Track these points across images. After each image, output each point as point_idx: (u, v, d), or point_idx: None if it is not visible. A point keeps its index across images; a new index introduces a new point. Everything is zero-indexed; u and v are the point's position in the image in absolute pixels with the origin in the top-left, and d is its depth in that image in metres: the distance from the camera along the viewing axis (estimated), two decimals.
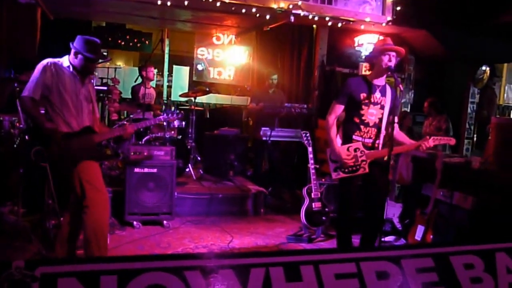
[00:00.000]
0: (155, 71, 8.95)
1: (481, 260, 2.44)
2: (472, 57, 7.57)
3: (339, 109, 4.02)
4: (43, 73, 3.48)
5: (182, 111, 4.79)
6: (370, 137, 3.99)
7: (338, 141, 4.05)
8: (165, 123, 6.14)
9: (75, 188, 3.53)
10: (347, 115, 4.05)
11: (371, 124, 3.97)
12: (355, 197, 4.06)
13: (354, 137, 3.98)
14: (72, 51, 3.60)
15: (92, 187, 3.51)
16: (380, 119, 3.98)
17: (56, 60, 3.61)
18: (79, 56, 3.58)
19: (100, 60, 4.21)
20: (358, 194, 4.06)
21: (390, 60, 3.85)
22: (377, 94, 3.95)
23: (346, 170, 3.96)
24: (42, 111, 3.58)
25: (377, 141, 4.00)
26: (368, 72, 4.18)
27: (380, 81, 3.99)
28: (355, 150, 3.94)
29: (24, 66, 5.43)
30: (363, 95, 3.93)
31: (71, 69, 3.60)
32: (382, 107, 3.96)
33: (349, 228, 4.16)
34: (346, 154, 3.93)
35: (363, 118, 3.95)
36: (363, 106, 3.93)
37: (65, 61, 3.63)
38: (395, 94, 4.05)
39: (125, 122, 6.30)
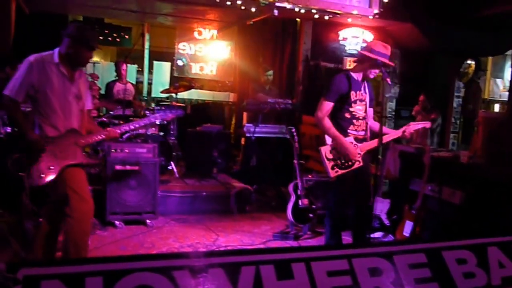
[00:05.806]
0: (135, 66, 8.79)
1: (474, 255, 2.43)
2: (457, 51, 7.58)
3: (329, 106, 3.98)
4: (28, 71, 3.24)
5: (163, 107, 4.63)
6: (362, 130, 4.08)
7: (327, 138, 4.04)
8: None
9: (57, 189, 3.32)
10: (338, 111, 4.04)
11: (361, 118, 4.06)
12: (350, 192, 4.08)
13: (349, 131, 4.02)
14: (66, 40, 3.33)
15: (76, 196, 3.30)
16: (365, 113, 4.09)
17: (44, 54, 3.34)
18: (76, 44, 3.31)
19: None
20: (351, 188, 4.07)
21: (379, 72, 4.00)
22: (362, 91, 4.06)
23: (343, 166, 3.95)
24: (29, 109, 3.35)
25: (367, 134, 4.10)
26: (351, 66, 4.17)
27: (359, 76, 4.08)
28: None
29: None
30: (353, 94, 3.99)
31: (59, 65, 3.32)
32: (365, 102, 4.08)
33: (342, 225, 4.19)
34: (353, 148, 3.95)
35: (353, 113, 4.02)
36: (353, 104, 4.01)
37: (54, 55, 3.35)
38: (370, 87, 4.20)
39: (104, 119, 6.19)
